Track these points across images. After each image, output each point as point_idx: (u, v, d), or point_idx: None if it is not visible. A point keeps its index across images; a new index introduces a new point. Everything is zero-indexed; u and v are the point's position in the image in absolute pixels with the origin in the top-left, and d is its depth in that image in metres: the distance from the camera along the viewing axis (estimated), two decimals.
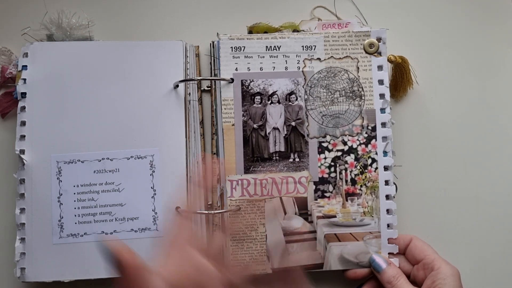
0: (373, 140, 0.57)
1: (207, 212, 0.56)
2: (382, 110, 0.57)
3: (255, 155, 0.57)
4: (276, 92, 0.58)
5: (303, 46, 0.58)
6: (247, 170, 0.57)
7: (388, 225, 0.56)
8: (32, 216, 0.55)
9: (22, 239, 0.55)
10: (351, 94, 0.57)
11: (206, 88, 0.60)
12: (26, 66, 0.57)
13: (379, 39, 0.58)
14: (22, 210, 0.55)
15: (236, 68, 0.57)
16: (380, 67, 0.58)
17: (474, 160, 0.61)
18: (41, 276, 0.55)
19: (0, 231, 0.58)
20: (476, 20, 0.62)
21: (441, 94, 0.62)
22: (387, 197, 0.57)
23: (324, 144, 0.57)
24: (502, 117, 0.62)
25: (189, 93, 0.58)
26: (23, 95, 0.56)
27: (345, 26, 0.59)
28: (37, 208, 0.55)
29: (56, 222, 0.55)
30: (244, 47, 0.57)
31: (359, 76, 0.57)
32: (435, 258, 0.53)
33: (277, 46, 0.58)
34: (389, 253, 0.56)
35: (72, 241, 0.55)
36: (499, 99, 0.62)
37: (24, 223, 0.55)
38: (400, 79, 0.59)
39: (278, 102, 0.58)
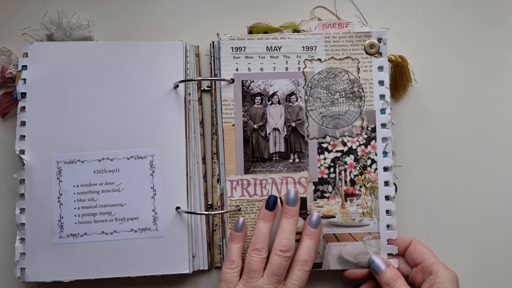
0: (373, 141, 0.57)
1: (207, 212, 0.56)
2: (382, 111, 0.57)
3: (255, 155, 0.57)
4: (277, 93, 0.58)
5: (303, 47, 0.57)
6: (247, 171, 0.57)
7: (387, 226, 0.56)
8: (32, 216, 0.55)
9: (22, 239, 0.55)
10: (351, 95, 0.57)
11: (206, 88, 0.60)
12: (26, 66, 0.57)
13: (379, 40, 0.58)
14: (22, 210, 0.55)
15: (237, 68, 0.57)
16: (380, 68, 0.57)
17: (474, 160, 0.61)
18: (41, 276, 0.55)
19: (0, 231, 0.58)
20: (476, 20, 0.62)
21: (441, 94, 0.62)
22: (387, 198, 0.57)
23: (324, 145, 0.57)
24: (502, 117, 0.62)
25: (189, 93, 0.58)
26: (23, 95, 0.56)
27: (346, 26, 0.59)
28: (37, 208, 0.55)
29: (56, 222, 0.55)
30: (245, 47, 0.57)
31: (359, 77, 0.57)
32: (434, 261, 0.53)
33: (278, 47, 0.57)
34: (388, 254, 0.56)
35: (72, 241, 0.55)
36: (499, 99, 0.62)
37: (24, 223, 0.55)
38: (399, 78, 0.59)
39: (279, 102, 0.58)
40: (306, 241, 0.54)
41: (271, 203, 0.55)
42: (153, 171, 0.56)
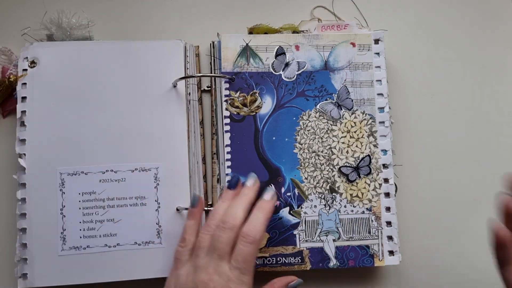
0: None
1: (206, 209, 0.56)
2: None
3: None
4: None
5: None
6: None
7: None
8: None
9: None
10: None
11: (206, 88, 0.60)
12: None
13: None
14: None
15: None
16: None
17: (474, 160, 0.61)
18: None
19: (1, 232, 0.58)
20: (476, 21, 0.63)
21: (441, 94, 0.62)
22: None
23: None
24: (502, 117, 0.62)
25: (189, 93, 0.58)
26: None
27: (344, 28, 0.59)
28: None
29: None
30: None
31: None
32: None
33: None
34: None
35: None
36: (499, 99, 0.62)
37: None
38: None
39: None
40: (254, 213, 0.50)
41: (233, 183, 0.53)
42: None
